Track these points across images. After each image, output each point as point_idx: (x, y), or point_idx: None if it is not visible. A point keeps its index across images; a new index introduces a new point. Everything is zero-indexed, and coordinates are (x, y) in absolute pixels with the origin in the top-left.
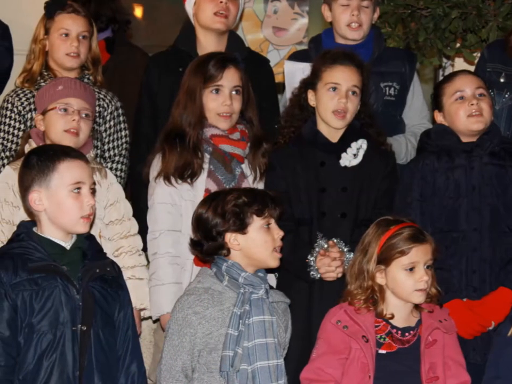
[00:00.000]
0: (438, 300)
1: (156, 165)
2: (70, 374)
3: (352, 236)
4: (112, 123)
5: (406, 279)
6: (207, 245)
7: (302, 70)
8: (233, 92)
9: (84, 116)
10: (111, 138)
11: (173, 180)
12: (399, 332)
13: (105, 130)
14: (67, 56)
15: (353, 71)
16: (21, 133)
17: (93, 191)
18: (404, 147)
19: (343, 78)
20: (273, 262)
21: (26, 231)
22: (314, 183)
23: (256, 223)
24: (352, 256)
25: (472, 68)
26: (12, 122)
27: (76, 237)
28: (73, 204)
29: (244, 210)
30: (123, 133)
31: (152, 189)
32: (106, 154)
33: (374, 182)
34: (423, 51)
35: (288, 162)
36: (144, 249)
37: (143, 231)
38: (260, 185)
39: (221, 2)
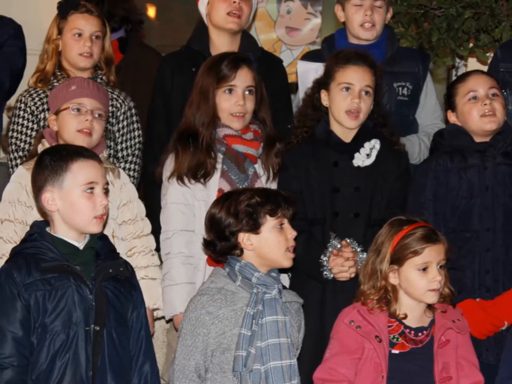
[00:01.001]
0: (451, 300)
1: (169, 165)
2: (83, 374)
3: (365, 235)
4: (125, 123)
5: (419, 279)
6: (220, 245)
7: (315, 70)
8: (246, 92)
9: (97, 116)
10: (124, 138)
11: (186, 180)
12: (412, 332)
13: (118, 130)
14: (80, 56)
15: (366, 71)
16: (34, 133)
17: (106, 191)
18: (417, 147)
19: (356, 78)
20: (286, 262)
21: (39, 231)
22: (328, 183)
23: (269, 223)
24: (365, 256)
25: (485, 68)
26: (25, 122)
27: (89, 237)
28: (86, 204)
29: (257, 210)
30: (136, 133)
31: (165, 189)
32: (119, 154)
33: (387, 182)
34: (436, 51)
35: (301, 162)
36: (157, 249)
37: (156, 231)
38: (273, 185)
39: (234, 2)
